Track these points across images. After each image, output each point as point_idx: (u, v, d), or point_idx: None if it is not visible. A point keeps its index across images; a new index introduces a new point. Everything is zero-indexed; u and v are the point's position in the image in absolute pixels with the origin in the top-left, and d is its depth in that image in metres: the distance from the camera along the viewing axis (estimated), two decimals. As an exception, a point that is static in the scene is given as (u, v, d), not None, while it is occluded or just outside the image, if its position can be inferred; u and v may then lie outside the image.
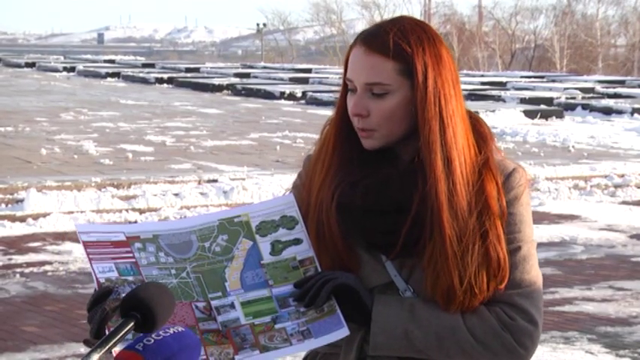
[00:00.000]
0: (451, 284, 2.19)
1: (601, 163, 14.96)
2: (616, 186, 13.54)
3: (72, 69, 38.83)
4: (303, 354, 2.38)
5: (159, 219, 10.70)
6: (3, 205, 11.27)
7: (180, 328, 1.84)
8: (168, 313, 1.82)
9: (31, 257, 9.32)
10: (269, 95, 27.36)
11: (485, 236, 2.21)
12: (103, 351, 1.74)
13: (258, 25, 66.60)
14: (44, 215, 10.83)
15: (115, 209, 11.21)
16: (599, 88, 29.56)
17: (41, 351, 6.64)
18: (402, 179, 2.25)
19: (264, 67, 41.56)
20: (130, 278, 2.14)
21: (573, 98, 26.10)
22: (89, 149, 15.50)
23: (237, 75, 35.08)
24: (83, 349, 6.61)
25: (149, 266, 2.15)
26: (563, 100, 25.44)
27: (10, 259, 9.21)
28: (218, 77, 33.19)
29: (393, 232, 2.23)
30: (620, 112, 23.31)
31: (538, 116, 22.15)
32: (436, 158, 2.20)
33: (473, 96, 25.87)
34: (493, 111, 21.76)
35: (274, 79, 33.49)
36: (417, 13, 57.00)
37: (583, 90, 28.71)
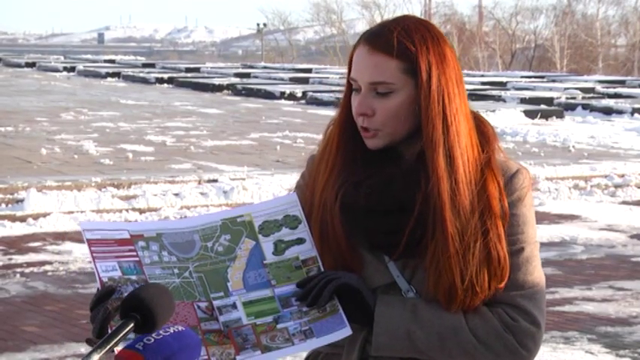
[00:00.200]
0: (453, 283, 2.19)
1: (601, 163, 14.96)
2: (616, 186, 13.54)
3: (72, 69, 38.83)
4: (304, 354, 2.38)
5: (159, 219, 10.70)
6: (3, 205, 11.27)
7: (180, 328, 1.84)
8: (168, 314, 1.83)
9: (31, 257, 9.32)
10: (269, 95, 27.37)
11: (487, 235, 2.21)
12: (103, 351, 1.74)
13: (258, 25, 66.60)
14: (44, 215, 10.83)
15: (115, 209, 11.21)
16: (599, 88, 29.57)
17: (41, 351, 6.64)
18: (405, 179, 2.25)
19: (265, 67, 41.55)
20: (133, 277, 2.13)
21: (573, 98, 26.10)
22: (89, 149, 15.50)
23: (237, 75, 35.08)
24: (83, 349, 6.61)
25: (152, 265, 2.15)
26: (563, 100, 25.44)
27: (10, 259, 9.21)
28: (218, 77, 33.19)
29: (395, 232, 2.23)
30: (620, 112, 23.31)
31: (538, 116, 22.15)
32: (439, 156, 2.20)
33: (473, 96, 25.86)
34: (493, 111, 21.76)
35: (274, 79, 33.49)
36: (417, 13, 56.94)
37: (583, 90, 28.71)
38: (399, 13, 2.36)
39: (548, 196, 12.83)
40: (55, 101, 24.73)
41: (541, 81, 33.87)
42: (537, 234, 2.31)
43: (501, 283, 2.22)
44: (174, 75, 34.28)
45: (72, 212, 11.01)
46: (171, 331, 1.82)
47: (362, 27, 68.43)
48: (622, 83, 33.13)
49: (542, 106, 23.87)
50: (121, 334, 1.77)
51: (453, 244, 2.18)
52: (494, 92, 27.21)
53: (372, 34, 2.26)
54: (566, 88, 29.13)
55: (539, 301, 2.27)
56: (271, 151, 15.88)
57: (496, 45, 54.89)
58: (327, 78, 33.10)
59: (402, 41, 2.22)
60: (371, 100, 2.24)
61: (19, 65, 42.76)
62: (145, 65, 42.17)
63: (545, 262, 9.18)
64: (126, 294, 2.07)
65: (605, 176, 13.94)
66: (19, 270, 8.78)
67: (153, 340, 1.80)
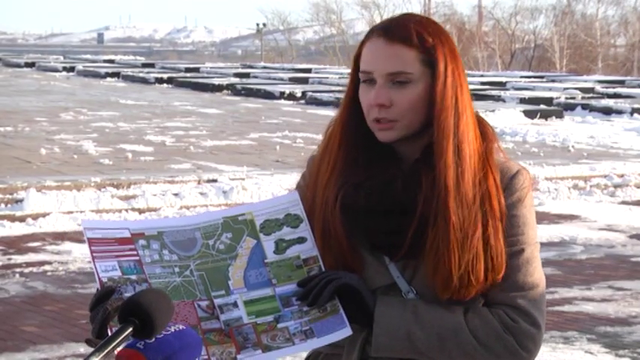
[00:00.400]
0: (450, 270, 2.19)
1: (601, 163, 14.96)
2: (615, 186, 13.54)
3: (71, 69, 38.82)
4: (305, 354, 2.38)
5: (159, 218, 10.69)
6: (2, 205, 11.27)
7: (181, 326, 1.84)
8: (166, 319, 1.82)
9: (31, 257, 9.31)
10: (269, 95, 27.36)
11: (485, 226, 2.22)
12: (101, 355, 1.74)
13: (257, 25, 66.59)
14: (44, 215, 10.83)
15: (115, 209, 11.21)
16: (598, 88, 29.56)
17: (41, 351, 6.64)
18: (406, 180, 2.26)
19: (264, 67, 41.54)
20: (133, 277, 2.13)
21: (573, 98, 26.09)
22: (89, 149, 15.50)
23: (236, 75, 35.07)
24: (83, 349, 6.61)
25: (152, 264, 2.15)
26: (562, 100, 25.43)
27: (9, 259, 9.21)
28: (218, 77, 33.18)
29: (396, 232, 2.24)
30: (619, 112, 23.31)
31: (538, 116, 22.15)
32: (448, 147, 2.22)
33: (473, 96, 25.47)
34: (493, 111, 21.75)
35: (274, 79, 33.48)
36: (416, 13, 56.88)
37: (583, 90, 28.71)
38: (398, 13, 2.37)
39: (548, 196, 12.83)
40: (54, 101, 24.73)
41: (540, 81, 33.86)
42: (537, 234, 2.32)
43: (498, 275, 2.23)
44: (174, 75, 34.27)
45: (71, 212, 11.00)
46: (173, 330, 1.82)
47: (361, 27, 68.46)
48: (621, 83, 33.12)
49: (542, 106, 23.86)
50: (120, 339, 1.77)
51: (453, 232, 2.20)
52: (493, 92, 27.20)
53: (387, 26, 2.27)
54: (565, 88, 29.13)
55: (539, 303, 2.27)
56: (271, 151, 15.88)
57: (495, 45, 54.90)
58: (327, 78, 33.08)
59: (420, 32, 2.24)
60: (388, 90, 2.24)
61: (18, 65, 42.75)
62: (144, 65, 42.16)
63: (545, 262, 9.17)
64: (126, 294, 2.07)
65: (605, 176, 13.94)
66: (18, 270, 8.77)
67: (154, 338, 1.80)
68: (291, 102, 26.20)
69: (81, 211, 11.05)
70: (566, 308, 7.81)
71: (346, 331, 2.21)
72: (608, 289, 8.44)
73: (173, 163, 14.30)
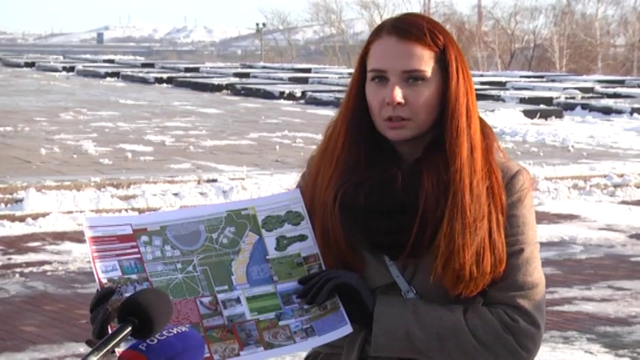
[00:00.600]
0: (463, 264, 2.21)
1: (600, 163, 14.96)
2: (615, 186, 13.54)
3: (71, 69, 38.81)
4: (304, 354, 2.38)
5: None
6: (2, 205, 11.26)
7: (184, 328, 1.84)
8: (165, 318, 1.82)
9: (31, 257, 9.31)
10: (268, 95, 27.35)
11: (490, 220, 2.24)
12: (100, 354, 1.74)
13: (257, 24, 66.59)
14: (43, 215, 10.82)
15: (115, 209, 11.21)
16: (598, 87, 29.56)
17: (40, 351, 6.64)
18: (406, 180, 2.26)
19: (264, 67, 41.53)
20: (134, 277, 2.13)
21: (573, 98, 26.09)
22: (88, 149, 15.49)
23: (236, 75, 35.05)
24: (82, 349, 6.61)
25: (154, 261, 2.15)
26: (562, 99, 25.43)
27: (9, 259, 9.21)
28: (217, 77, 33.17)
29: (397, 232, 2.24)
30: (619, 112, 23.31)
31: (537, 116, 22.15)
32: (463, 144, 2.24)
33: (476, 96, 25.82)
34: (492, 111, 21.75)
35: (274, 78, 33.47)
36: (416, 13, 56.84)
37: (582, 90, 28.70)
38: (398, 13, 2.37)
39: (548, 196, 12.83)
40: (54, 101, 24.72)
41: (540, 81, 33.85)
42: (537, 233, 2.33)
43: (500, 267, 2.24)
44: (174, 75, 34.26)
45: (71, 212, 11.00)
46: (175, 332, 1.82)
47: (361, 27, 68.48)
48: (621, 83, 33.12)
49: (542, 106, 23.86)
50: (119, 338, 1.77)
51: (468, 227, 2.21)
52: (493, 92, 27.19)
53: (398, 24, 2.27)
54: (565, 88, 29.12)
55: (538, 302, 2.27)
56: (270, 151, 15.88)
57: (495, 45, 54.88)
58: (327, 78, 33.07)
59: (433, 31, 2.26)
60: (402, 88, 2.25)
61: (18, 65, 42.74)
62: (144, 65, 42.15)
63: (545, 262, 9.17)
64: (126, 294, 2.07)
65: (605, 176, 13.93)
66: (18, 270, 8.77)
67: (156, 340, 1.80)
68: (290, 102, 26.20)
69: (81, 211, 11.05)
70: (566, 308, 7.81)
71: (347, 329, 2.22)
72: (607, 289, 8.44)
73: (173, 162, 14.30)
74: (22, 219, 10.79)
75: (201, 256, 2.17)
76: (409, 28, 2.25)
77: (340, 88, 27.29)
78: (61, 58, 48.27)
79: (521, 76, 36.21)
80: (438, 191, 2.24)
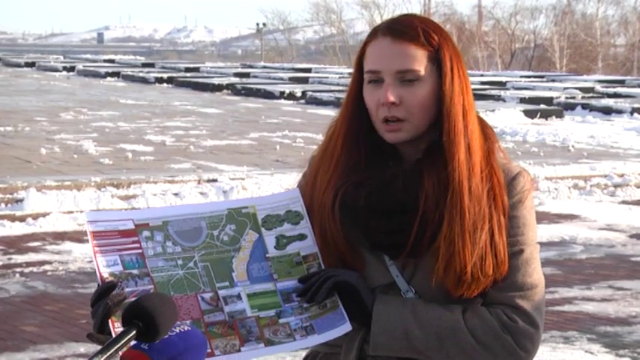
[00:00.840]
0: (464, 265, 2.21)
1: (601, 163, 14.96)
2: (616, 185, 13.54)
3: (72, 69, 38.81)
4: (303, 353, 2.39)
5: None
6: (3, 205, 11.27)
7: (186, 327, 1.84)
8: (170, 323, 1.82)
9: (31, 257, 9.32)
10: (269, 95, 27.35)
11: (491, 221, 2.24)
12: (104, 357, 1.74)
13: (258, 24, 66.61)
14: (44, 215, 10.83)
15: (115, 209, 11.22)
16: (598, 87, 29.56)
17: (41, 351, 6.64)
18: (407, 180, 2.27)
19: (264, 67, 41.53)
20: (135, 271, 2.13)
21: (573, 98, 26.09)
22: (89, 149, 15.49)
23: (236, 75, 35.06)
24: (83, 349, 6.61)
25: (155, 257, 2.16)
26: (562, 99, 25.43)
27: (9, 259, 9.21)
28: (218, 77, 33.17)
29: (396, 232, 2.25)
30: (619, 112, 23.31)
31: (538, 116, 22.15)
32: (460, 144, 2.24)
33: (473, 96, 25.80)
34: (493, 111, 21.75)
35: (274, 78, 33.47)
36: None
37: (583, 90, 28.70)
38: (398, 13, 2.38)
39: (548, 196, 12.83)
40: (54, 101, 24.72)
41: (540, 81, 33.85)
42: (537, 234, 2.33)
43: (502, 269, 2.24)
44: (174, 75, 34.26)
45: (71, 212, 11.01)
46: (177, 331, 1.82)
47: (361, 27, 68.46)
48: (621, 83, 33.12)
49: (542, 106, 23.86)
50: (123, 341, 1.77)
51: (467, 229, 2.21)
52: (493, 92, 27.19)
53: (392, 25, 2.28)
54: (565, 88, 29.12)
55: (538, 303, 2.27)
56: (271, 151, 15.88)
57: (495, 45, 54.90)
58: (327, 78, 33.07)
59: (427, 30, 2.26)
60: (397, 89, 2.25)
61: (18, 65, 42.74)
62: (144, 65, 42.15)
63: (545, 262, 9.17)
64: (127, 289, 2.08)
65: (605, 176, 13.94)
66: (18, 270, 8.78)
67: (158, 339, 1.79)
68: (291, 102, 26.20)
69: (81, 211, 11.05)
70: (566, 308, 7.81)
71: (346, 327, 2.22)
72: (608, 289, 8.44)
73: (173, 162, 14.30)
74: (22, 219, 10.79)
75: (203, 252, 2.18)
76: (403, 29, 2.25)
77: (340, 88, 27.28)
78: (62, 58, 48.28)
79: (521, 76, 36.21)
80: (439, 192, 2.24)
